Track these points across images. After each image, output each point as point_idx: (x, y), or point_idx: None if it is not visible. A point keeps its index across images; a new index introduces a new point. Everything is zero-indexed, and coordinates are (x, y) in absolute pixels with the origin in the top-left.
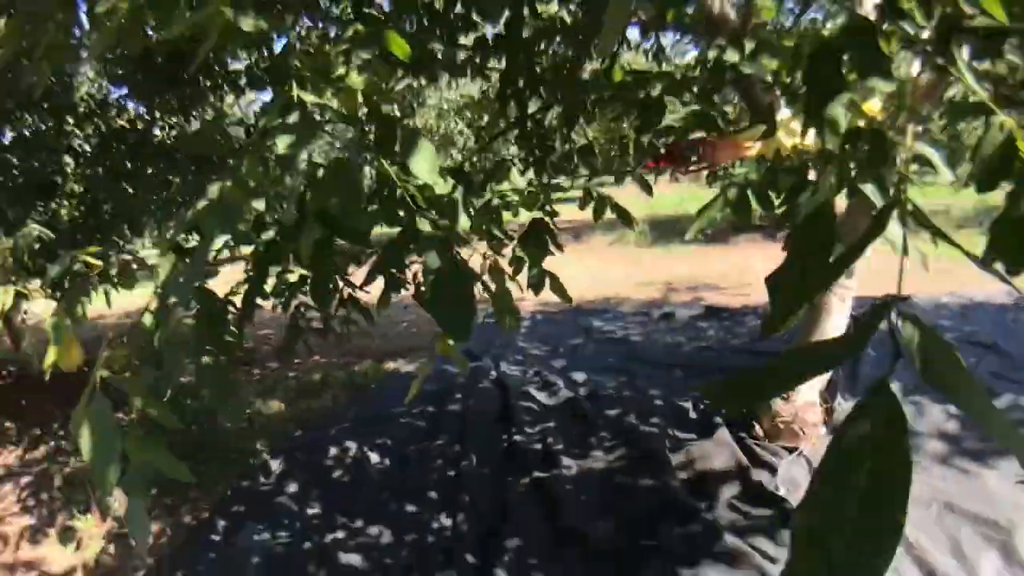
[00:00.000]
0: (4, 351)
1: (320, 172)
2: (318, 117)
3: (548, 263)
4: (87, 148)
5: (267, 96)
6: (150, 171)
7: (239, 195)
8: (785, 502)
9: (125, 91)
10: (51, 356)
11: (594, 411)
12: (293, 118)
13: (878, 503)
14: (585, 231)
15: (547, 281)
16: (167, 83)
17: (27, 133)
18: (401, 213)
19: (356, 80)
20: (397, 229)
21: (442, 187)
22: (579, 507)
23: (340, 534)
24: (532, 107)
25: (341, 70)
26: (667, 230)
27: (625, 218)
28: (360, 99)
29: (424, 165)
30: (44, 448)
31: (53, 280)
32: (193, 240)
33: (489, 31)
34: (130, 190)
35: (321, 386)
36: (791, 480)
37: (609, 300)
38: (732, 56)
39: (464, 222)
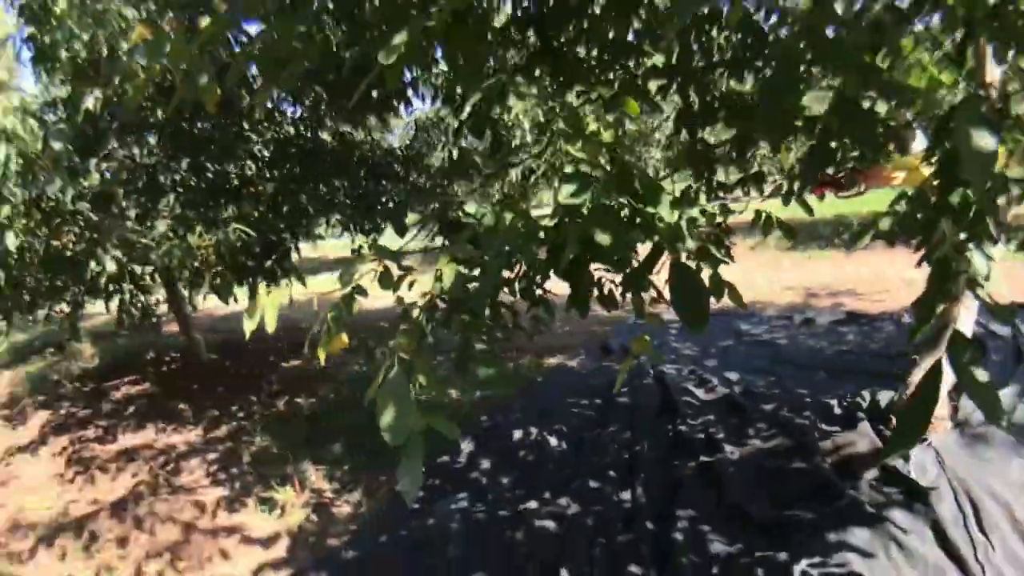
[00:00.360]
0: (163, 339)
1: (585, 210)
2: (584, 169)
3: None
4: (265, 153)
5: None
6: (319, 175)
7: (517, 222)
8: (915, 483)
9: (290, 100)
10: (324, 343)
11: (749, 405)
12: (569, 169)
13: None
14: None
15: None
16: (347, 97)
17: (212, 146)
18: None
19: (606, 135)
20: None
21: (670, 216)
22: (740, 486)
23: (532, 504)
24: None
25: (592, 126)
26: (804, 235)
27: (789, 233)
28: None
29: (663, 205)
30: (225, 428)
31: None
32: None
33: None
34: (303, 192)
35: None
36: (920, 465)
37: (754, 304)
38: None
39: (690, 242)
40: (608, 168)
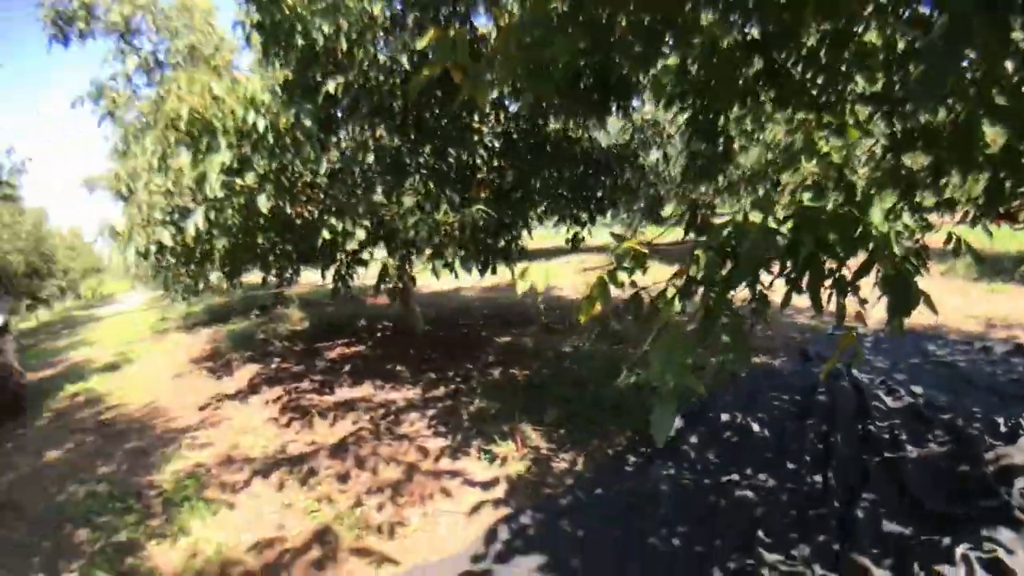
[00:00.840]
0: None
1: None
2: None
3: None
4: (496, 144)
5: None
6: (542, 166)
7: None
8: None
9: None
10: (585, 308)
11: (929, 415)
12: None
13: None
14: None
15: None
16: (574, 98)
17: (453, 132)
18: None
19: (836, 156)
20: None
21: (882, 225)
22: (916, 480)
23: (734, 476)
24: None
25: (824, 147)
26: (988, 268)
27: (977, 258)
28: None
29: (877, 214)
30: (443, 389)
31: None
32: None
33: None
34: (529, 180)
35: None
36: None
37: (941, 327)
38: None
39: (896, 249)
40: (836, 182)
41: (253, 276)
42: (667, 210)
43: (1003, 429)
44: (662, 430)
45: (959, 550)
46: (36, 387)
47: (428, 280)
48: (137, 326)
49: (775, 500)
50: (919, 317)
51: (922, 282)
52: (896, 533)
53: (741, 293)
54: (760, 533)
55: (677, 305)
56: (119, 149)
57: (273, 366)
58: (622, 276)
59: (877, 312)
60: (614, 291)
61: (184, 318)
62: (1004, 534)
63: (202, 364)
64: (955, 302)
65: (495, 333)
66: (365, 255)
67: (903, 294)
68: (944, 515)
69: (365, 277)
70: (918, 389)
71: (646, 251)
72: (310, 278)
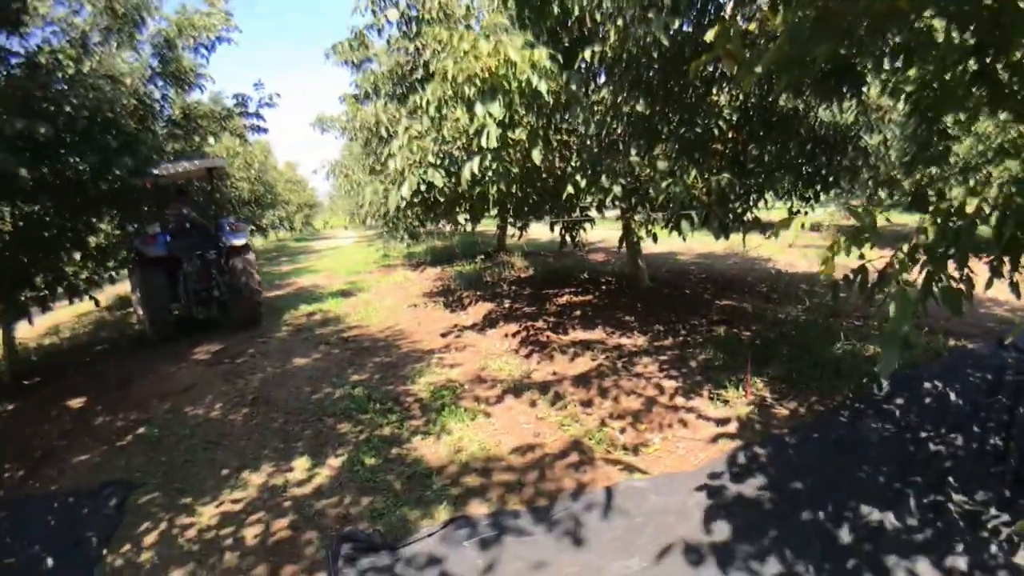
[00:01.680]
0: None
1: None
2: None
3: None
4: (733, 117)
5: None
6: (775, 139)
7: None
8: None
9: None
10: (824, 266)
11: None
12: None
13: None
14: None
15: None
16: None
17: (698, 104)
18: None
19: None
20: None
21: None
22: None
23: (931, 433)
24: None
25: None
26: None
27: None
28: None
29: None
30: (671, 339)
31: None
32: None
33: None
34: (764, 151)
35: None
36: None
37: None
38: None
39: None
40: None
41: (481, 225)
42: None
43: None
44: (887, 367)
45: None
46: (268, 304)
47: (646, 243)
48: (359, 260)
49: (963, 455)
50: None
51: None
52: None
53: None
54: (950, 479)
55: (907, 269)
56: (367, 94)
57: (506, 305)
58: (856, 246)
59: None
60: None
61: (407, 257)
62: None
63: (435, 298)
64: None
65: (715, 295)
66: (595, 213)
67: None
68: None
69: (589, 234)
70: None
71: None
72: (532, 232)
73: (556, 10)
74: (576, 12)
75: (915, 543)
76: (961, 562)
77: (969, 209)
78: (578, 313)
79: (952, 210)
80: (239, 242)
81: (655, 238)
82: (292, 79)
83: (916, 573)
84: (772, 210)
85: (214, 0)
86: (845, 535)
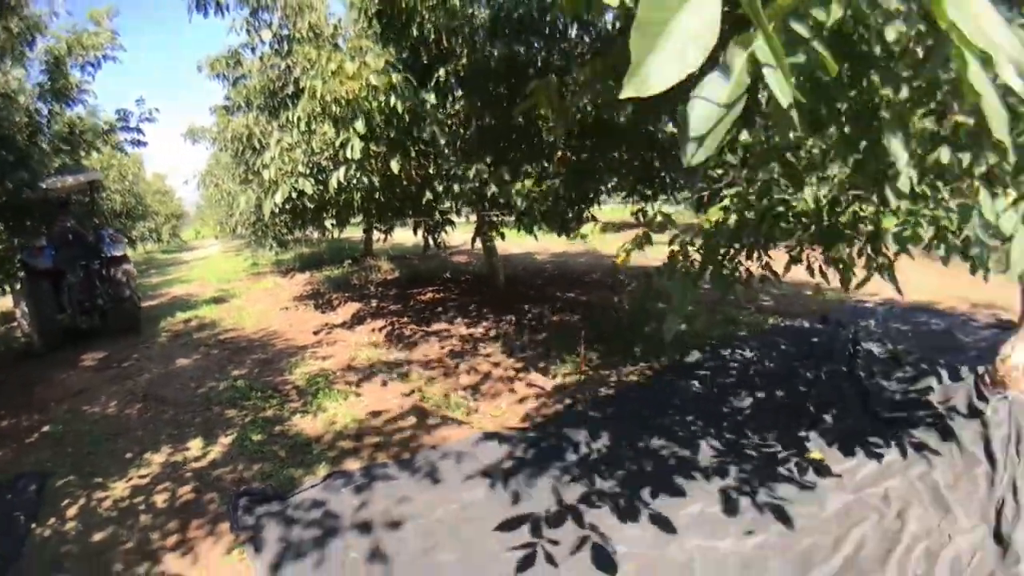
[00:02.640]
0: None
1: None
2: None
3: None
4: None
5: None
6: (611, 146)
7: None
8: (985, 416)
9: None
10: (620, 258)
11: (905, 361)
12: None
13: None
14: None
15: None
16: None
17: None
18: None
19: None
20: None
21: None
22: (877, 399)
23: (741, 391)
24: None
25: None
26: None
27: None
28: None
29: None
30: (518, 325)
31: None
32: None
33: None
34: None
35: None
36: (994, 408)
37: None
38: None
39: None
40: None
41: (348, 231)
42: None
43: (949, 373)
44: (671, 330)
45: (889, 440)
46: (145, 314)
47: (504, 244)
48: (228, 269)
49: (763, 407)
50: (912, 293)
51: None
52: (856, 428)
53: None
54: (748, 429)
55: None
56: (239, 106)
57: (373, 304)
58: (638, 248)
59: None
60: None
61: (276, 264)
62: (933, 436)
63: (305, 301)
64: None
65: (562, 288)
66: (454, 217)
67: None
68: (894, 420)
69: (451, 236)
70: (902, 346)
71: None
72: (396, 237)
73: (415, 32)
74: (433, 35)
75: (710, 470)
76: (746, 478)
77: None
78: (439, 309)
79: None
80: (119, 252)
81: (503, 236)
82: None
83: (709, 490)
84: (619, 208)
85: (100, 19)
86: (648, 466)
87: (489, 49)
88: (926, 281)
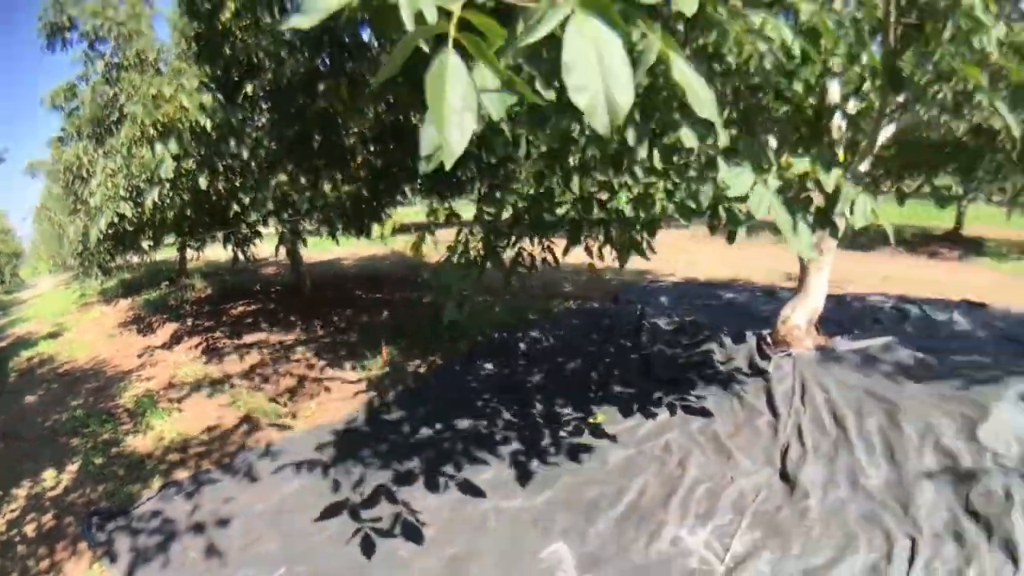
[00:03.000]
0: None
1: None
2: None
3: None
4: (367, 133)
5: None
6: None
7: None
8: (768, 373)
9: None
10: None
11: (690, 330)
12: None
13: None
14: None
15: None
16: None
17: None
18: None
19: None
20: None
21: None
22: (660, 363)
23: (534, 368)
24: None
25: None
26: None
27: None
28: None
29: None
30: (325, 331)
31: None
32: None
33: None
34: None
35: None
36: (777, 364)
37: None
38: None
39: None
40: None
41: (161, 253)
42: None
43: (728, 338)
44: (448, 315)
45: (667, 399)
46: None
47: (314, 252)
48: (61, 303)
49: (554, 381)
50: (715, 271)
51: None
52: (632, 394)
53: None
54: (538, 401)
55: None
56: (71, 136)
57: (189, 323)
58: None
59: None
60: None
61: (101, 293)
62: (718, 392)
63: (128, 326)
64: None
65: (367, 290)
66: (262, 228)
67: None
68: (670, 381)
69: (260, 249)
70: (690, 317)
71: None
72: (209, 254)
73: (228, 51)
74: (243, 54)
75: (504, 439)
76: (537, 444)
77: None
78: (250, 320)
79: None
80: None
81: (305, 243)
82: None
83: (503, 456)
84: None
85: None
86: (451, 443)
87: (293, 63)
88: (730, 257)
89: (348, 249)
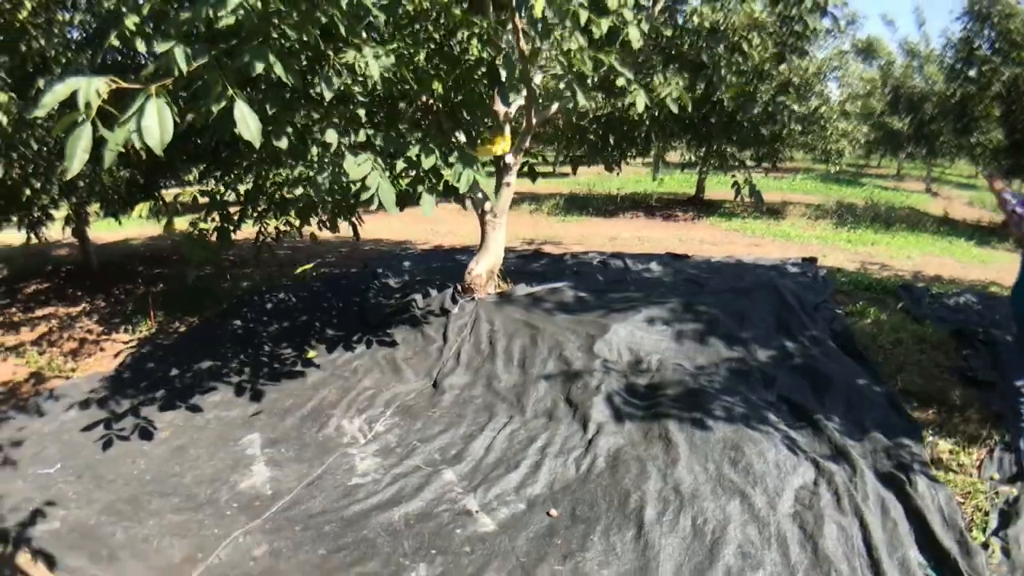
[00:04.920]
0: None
1: None
2: None
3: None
4: None
5: None
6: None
7: None
8: (450, 313)
9: None
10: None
11: (412, 286)
12: None
13: None
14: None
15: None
16: None
17: None
18: None
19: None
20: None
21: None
22: (373, 311)
23: (272, 322)
24: None
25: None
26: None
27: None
28: None
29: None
30: (106, 303)
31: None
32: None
33: None
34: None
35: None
36: (461, 307)
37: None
38: None
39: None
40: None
41: None
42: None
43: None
44: (189, 278)
45: (366, 337)
46: None
47: (105, 233)
48: None
49: (286, 331)
50: (463, 240)
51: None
52: (343, 336)
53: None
54: (268, 342)
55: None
56: None
57: None
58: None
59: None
60: None
61: None
62: (399, 328)
63: None
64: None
65: (148, 267)
66: (53, 211)
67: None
68: (377, 324)
69: (52, 232)
70: (420, 276)
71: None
72: (3, 238)
73: (24, 47)
74: (37, 51)
75: (230, 373)
76: (258, 374)
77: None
78: (43, 298)
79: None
80: None
81: (88, 224)
82: None
83: (230, 383)
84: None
85: None
86: (192, 379)
87: (80, 61)
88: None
89: (138, 230)
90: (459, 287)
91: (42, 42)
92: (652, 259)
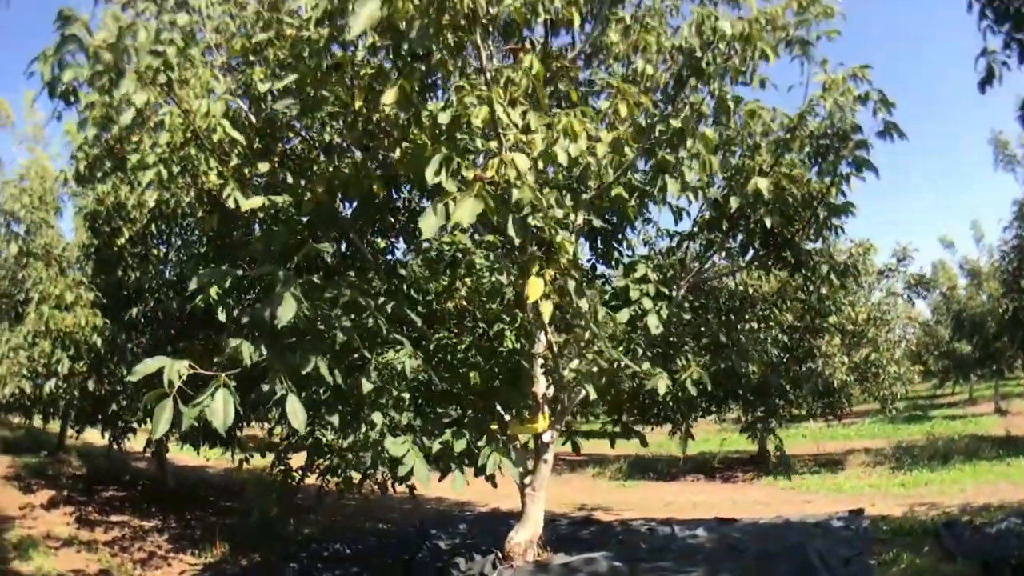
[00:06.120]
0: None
1: None
2: None
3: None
4: None
5: None
6: None
7: None
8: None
9: None
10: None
11: (460, 548)
12: None
13: None
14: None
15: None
16: None
17: None
18: None
19: None
20: None
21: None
22: (421, 568)
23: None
24: None
25: None
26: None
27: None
28: None
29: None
30: (179, 522)
31: None
32: None
33: None
34: None
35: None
36: (500, 573)
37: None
38: None
39: None
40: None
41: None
42: None
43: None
44: (253, 520)
45: None
46: None
47: (184, 456)
48: None
49: None
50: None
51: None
52: None
53: None
54: None
55: None
56: None
57: (65, 493)
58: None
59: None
60: None
61: None
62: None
63: (11, 482)
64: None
65: (222, 497)
66: (136, 426)
67: None
68: None
69: (133, 443)
70: (472, 540)
71: None
72: (87, 436)
73: (120, 273)
74: (132, 281)
75: None
76: None
77: None
78: (118, 504)
79: None
80: None
81: (167, 448)
82: None
83: None
84: None
85: None
86: None
87: (169, 302)
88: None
89: (215, 460)
90: (499, 555)
91: (138, 274)
92: (700, 525)
